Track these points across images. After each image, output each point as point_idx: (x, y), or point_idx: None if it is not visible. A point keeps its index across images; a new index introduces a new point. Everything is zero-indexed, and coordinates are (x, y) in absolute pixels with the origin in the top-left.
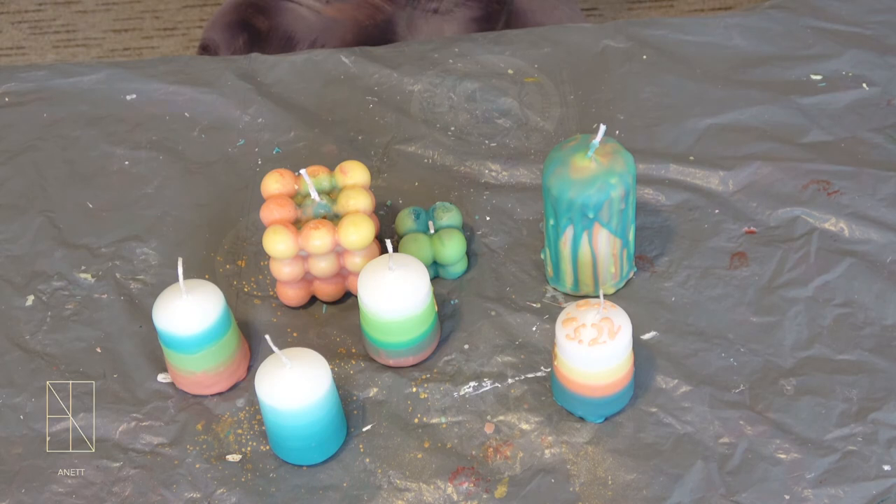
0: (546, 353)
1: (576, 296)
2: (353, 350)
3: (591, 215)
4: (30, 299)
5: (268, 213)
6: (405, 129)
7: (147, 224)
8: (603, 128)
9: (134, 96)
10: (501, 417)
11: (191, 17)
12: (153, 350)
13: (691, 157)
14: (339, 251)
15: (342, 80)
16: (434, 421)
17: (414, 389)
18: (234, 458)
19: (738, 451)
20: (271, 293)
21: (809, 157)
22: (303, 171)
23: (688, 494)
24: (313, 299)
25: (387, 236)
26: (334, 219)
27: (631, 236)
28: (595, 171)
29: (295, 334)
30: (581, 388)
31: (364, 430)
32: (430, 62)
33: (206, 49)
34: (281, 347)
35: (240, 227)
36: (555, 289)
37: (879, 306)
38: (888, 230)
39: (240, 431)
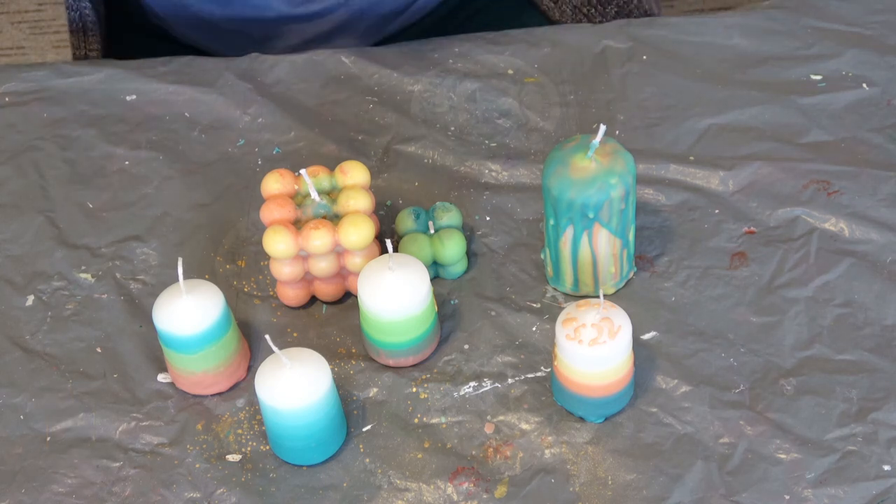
0: (546, 353)
1: (576, 296)
2: (353, 350)
3: (591, 215)
4: (30, 299)
5: (268, 213)
6: (405, 129)
7: (147, 224)
8: (603, 128)
9: (134, 96)
10: (501, 417)
11: None
12: (153, 350)
13: (691, 157)
14: (339, 251)
15: (342, 80)
16: (434, 421)
17: (414, 389)
18: (234, 458)
19: (738, 451)
20: (271, 293)
21: (809, 157)
22: (303, 171)
23: (688, 494)
24: (313, 299)
25: (387, 236)
26: (334, 219)
27: (631, 236)
28: (595, 171)
29: (295, 334)
30: (581, 388)
31: (364, 430)
32: (430, 62)
33: None
34: (281, 347)
35: (240, 227)
36: (555, 289)
37: (879, 306)
38: (888, 230)
39: (240, 431)
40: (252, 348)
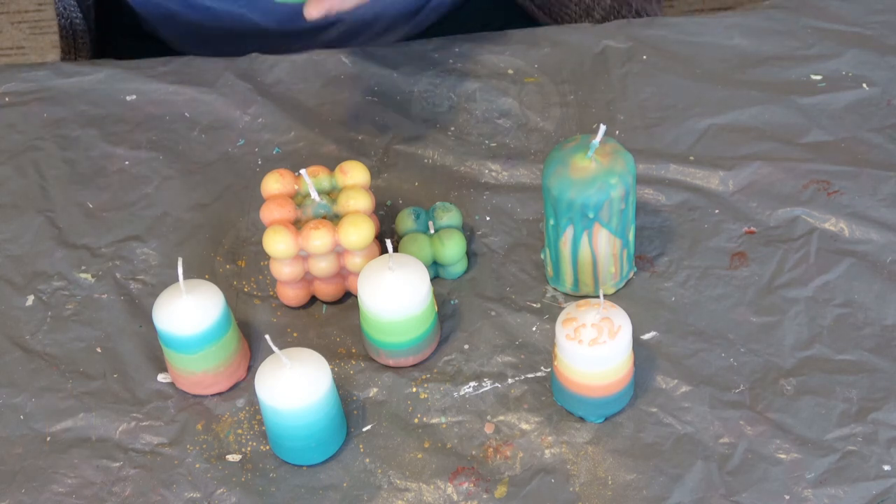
0: (546, 353)
1: (576, 296)
2: (353, 350)
3: (591, 215)
4: (30, 299)
5: (268, 213)
6: (405, 129)
7: (147, 224)
8: (603, 128)
9: (134, 96)
10: (501, 417)
11: None
12: (153, 350)
13: (691, 157)
14: (339, 251)
15: (342, 80)
16: (434, 421)
17: (414, 389)
18: (234, 458)
19: (738, 451)
20: (271, 293)
21: (809, 157)
22: (303, 171)
23: (688, 494)
24: (313, 299)
25: (387, 236)
26: (334, 219)
27: (631, 236)
28: (595, 171)
29: (295, 334)
30: (581, 388)
31: (364, 430)
32: (430, 62)
33: None
34: (281, 347)
35: (240, 227)
36: (555, 289)
37: (879, 306)
38: (888, 230)
39: (240, 431)
40: (252, 348)
